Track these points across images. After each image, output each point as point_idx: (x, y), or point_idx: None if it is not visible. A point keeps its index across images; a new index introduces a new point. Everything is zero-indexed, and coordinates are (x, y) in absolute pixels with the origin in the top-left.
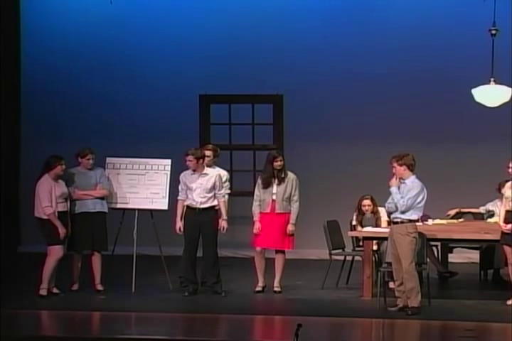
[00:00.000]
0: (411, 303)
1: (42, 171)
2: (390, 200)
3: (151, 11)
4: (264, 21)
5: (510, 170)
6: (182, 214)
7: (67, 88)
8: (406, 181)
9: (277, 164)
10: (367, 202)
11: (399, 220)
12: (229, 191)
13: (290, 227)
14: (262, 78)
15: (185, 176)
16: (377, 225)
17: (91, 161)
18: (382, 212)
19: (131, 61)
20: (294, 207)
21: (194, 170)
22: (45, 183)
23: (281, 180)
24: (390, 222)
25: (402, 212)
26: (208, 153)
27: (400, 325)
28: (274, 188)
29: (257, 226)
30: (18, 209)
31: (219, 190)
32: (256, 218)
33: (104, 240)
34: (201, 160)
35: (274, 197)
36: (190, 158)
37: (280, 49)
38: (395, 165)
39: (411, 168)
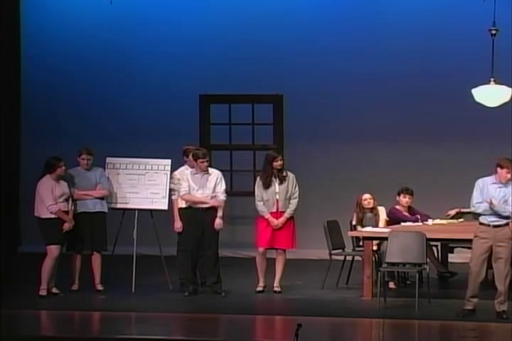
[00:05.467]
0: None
1: (43, 172)
2: (480, 200)
3: (151, 11)
4: (264, 21)
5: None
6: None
7: (67, 88)
8: (507, 185)
9: (277, 164)
10: (367, 195)
11: (502, 223)
12: None
13: (282, 220)
14: (262, 78)
15: (187, 175)
16: (377, 224)
17: (85, 161)
18: (382, 211)
19: (131, 61)
20: (292, 203)
21: (203, 171)
22: (45, 183)
23: (282, 179)
24: (389, 222)
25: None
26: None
27: (399, 325)
28: (277, 188)
29: (273, 221)
30: (18, 209)
31: (219, 189)
32: (267, 215)
33: (104, 240)
34: None
35: (277, 196)
36: (204, 160)
37: (280, 49)
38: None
39: None
